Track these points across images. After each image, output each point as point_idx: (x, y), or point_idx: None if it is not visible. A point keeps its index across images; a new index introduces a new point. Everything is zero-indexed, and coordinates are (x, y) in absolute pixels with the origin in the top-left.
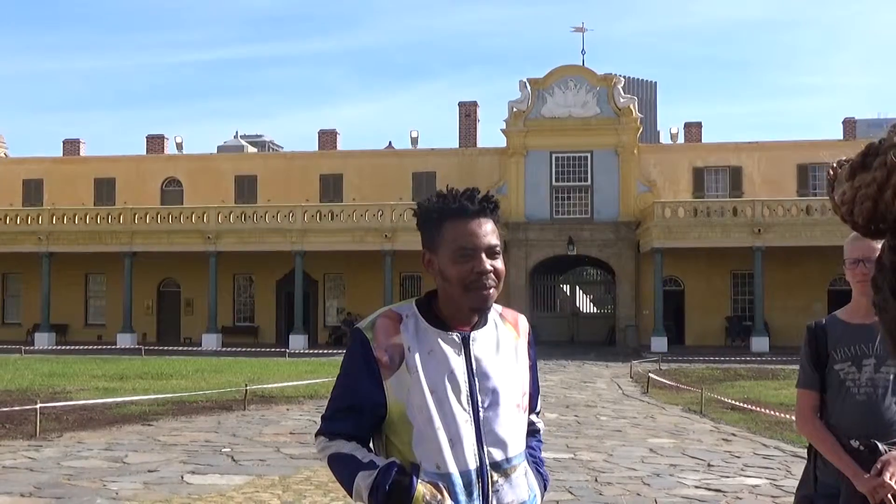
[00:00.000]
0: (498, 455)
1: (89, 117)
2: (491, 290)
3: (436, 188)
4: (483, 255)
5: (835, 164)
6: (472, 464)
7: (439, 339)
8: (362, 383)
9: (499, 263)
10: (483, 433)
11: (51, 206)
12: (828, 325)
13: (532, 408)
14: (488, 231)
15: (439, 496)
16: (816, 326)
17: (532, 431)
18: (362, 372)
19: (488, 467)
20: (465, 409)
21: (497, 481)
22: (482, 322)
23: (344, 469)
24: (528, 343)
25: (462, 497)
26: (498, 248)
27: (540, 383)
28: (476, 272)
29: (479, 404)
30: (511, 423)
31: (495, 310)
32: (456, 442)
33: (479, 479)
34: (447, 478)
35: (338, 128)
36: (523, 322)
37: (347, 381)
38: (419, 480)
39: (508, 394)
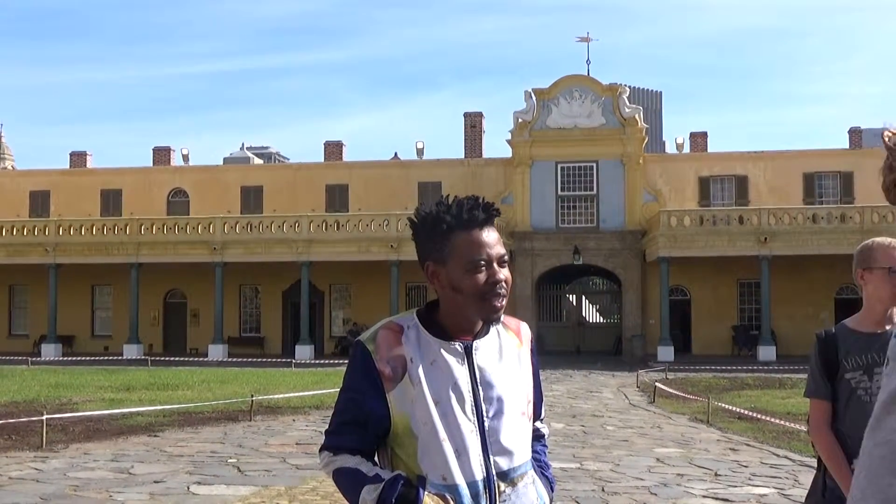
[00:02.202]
0: (504, 464)
1: (96, 129)
2: (504, 300)
3: (442, 199)
4: (496, 265)
5: (887, 136)
6: (479, 474)
7: (441, 350)
8: (365, 396)
9: (507, 272)
10: (489, 443)
11: (58, 218)
12: (837, 333)
13: (536, 415)
14: (496, 240)
15: None
16: (826, 335)
17: (537, 437)
18: (365, 385)
19: (495, 477)
20: (469, 420)
21: (504, 491)
22: (484, 331)
23: (349, 483)
24: (531, 350)
25: None
26: (506, 257)
27: (546, 393)
28: (492, 282)
29: (484, 414)
30: (517, 432)
31: None
32: (462, 453)
33: (487, 490)
34: (454, 489)
35: (343, 139)
36: (525, 330)
37: (350, 395)
38: (426, 493)
39: (513, 402)
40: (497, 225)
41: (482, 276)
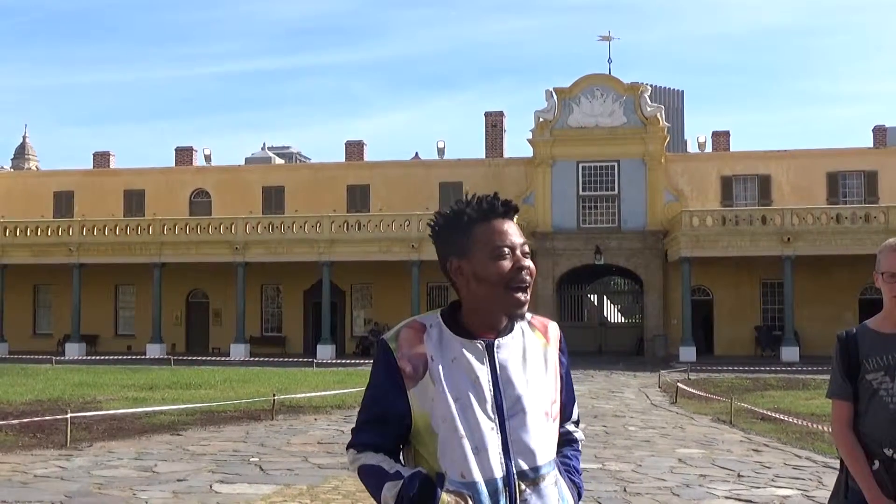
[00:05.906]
0: (525, 464)
1: (119, 130)
2: (528, 292)
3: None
4: (519, 253)
5: None
6: (498, 472)
7: (463, 348)
8: (387, 394)
9: (531, 262)
10: (510, 442)
11: (81, 218)
12: (859, 334)
13: (567, 416)
14: (518, 231)
15: None
16: (847, 336)
17: (569, 440)
18: (386, 383)
19: (515, 476)
20: (489, 418)
21: (525, 490)
22: (508, 329)
23: (372, 481)
24: (560, 350)
25: None
26: (527, 248)
27: None
28: (516, 268)
29: (505, 412)
30: (539, 432)
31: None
32: (481, 450)
33: (506, 489)
34: (472, 486)
35: (365, 139)
36: (553, 329)
37: (373, 393)
38: (444, 490)
39: (536, 401)
40: (518, 223)
41: (507, 263)
